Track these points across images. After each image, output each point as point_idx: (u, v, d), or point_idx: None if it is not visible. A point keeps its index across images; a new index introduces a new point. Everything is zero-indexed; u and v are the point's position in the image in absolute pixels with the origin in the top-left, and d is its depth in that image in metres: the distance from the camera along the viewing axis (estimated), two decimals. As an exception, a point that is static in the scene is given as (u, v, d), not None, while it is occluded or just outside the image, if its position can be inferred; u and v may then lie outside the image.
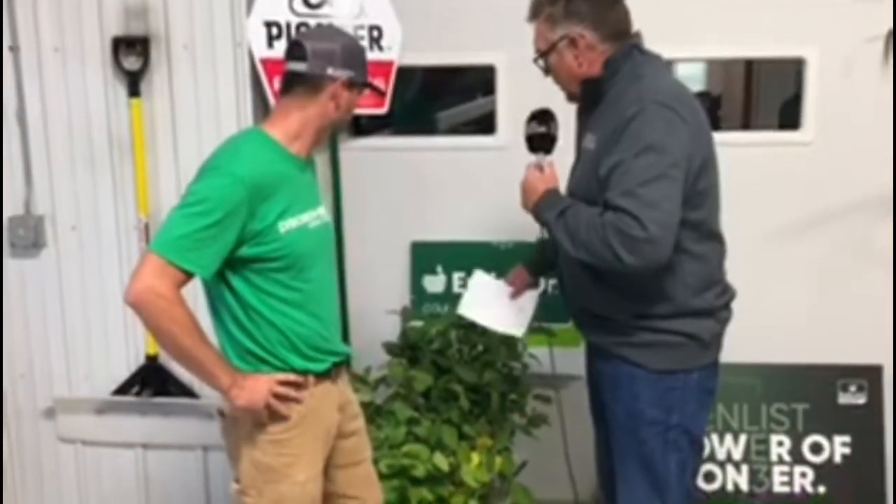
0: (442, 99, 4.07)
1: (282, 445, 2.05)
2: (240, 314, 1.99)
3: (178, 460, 3.18)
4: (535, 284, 2.57)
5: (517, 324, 2.53)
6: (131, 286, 1.87)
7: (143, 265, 1.88)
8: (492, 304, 2.54)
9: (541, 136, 2.23)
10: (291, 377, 2.03)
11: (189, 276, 1.89)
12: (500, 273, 3.16)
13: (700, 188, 2.08)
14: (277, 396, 2.01)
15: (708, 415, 2.31)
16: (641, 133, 1.97)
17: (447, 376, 2.85)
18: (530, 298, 2.56)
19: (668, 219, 1.96)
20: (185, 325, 1.87)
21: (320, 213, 2.10)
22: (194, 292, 2.01)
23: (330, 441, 2.17)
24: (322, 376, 2.11)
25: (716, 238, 2.20)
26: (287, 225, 1.97)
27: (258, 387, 1.99)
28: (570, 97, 2.24)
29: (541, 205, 2.17)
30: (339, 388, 2.19)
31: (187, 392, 3.09)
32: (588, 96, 2.16)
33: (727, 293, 2.27)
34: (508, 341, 2.96)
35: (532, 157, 2.26)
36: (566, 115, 2.34)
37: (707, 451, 3.17)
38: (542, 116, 2.25)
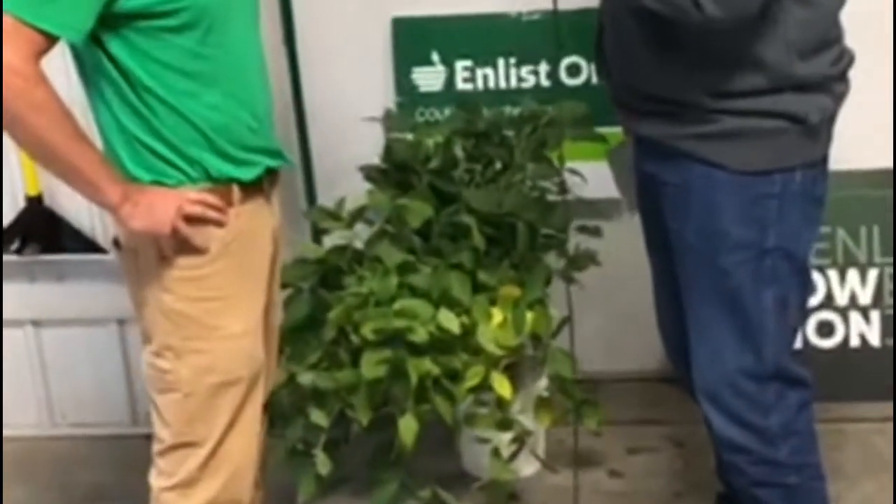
0: None
1: (201, 285, 2.07)
2: (131, 97, 1.98)
3: (84, 340, 3.26)
4: None
5: None
6: None
7: None
8: None
9: None
10: (209, 197, 2.04)
11: (51, 40, 1.85)
12: (521, 60, 3.21)
13: None
14: (189, 219, 2.01)
15: (816, 233, 2.31)
16: None
17: (453, 206, 2.87)
18: None
19: None
20: (51, 112, 1.85)
21: None
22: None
23: (265, 279, 2.20)
24: (252, 187, 2.11)
25: None
26: None
27: (161, 204, 2.00)
28: None
29: None
30: (272, 207, 2.20)
31: (90, 245, 3.09)
32: None
33: (844, 58, 2.23)
34: (536, 152, 2.97)
35: None
36: None
37: (821, 294, 3.22)
38: None
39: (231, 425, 2.15)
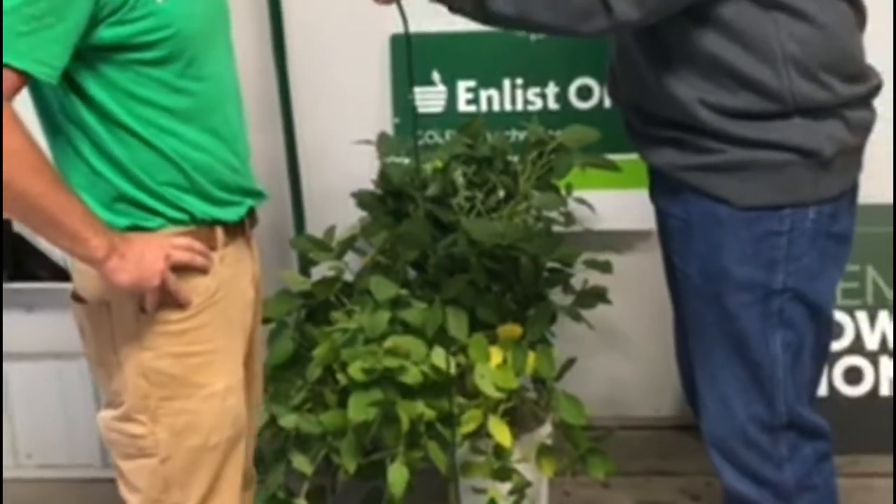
0: None
1: (186, 340, 2.04)
2: (104, 139, 1.94)
3: (53, 375, 3.24)
4: None
5: None
6: None
7: None
8: None
9: None
10: (195, 242, 2.02)
11: (22, 79, 1.79)
12: (528, 82, 3.23)
13: None
14: (174, 267, 1.98)
15: (838, 273, 2.31)
16: None
17: (451, 236, 2.88)
18: None
19: None
20: (28, 157, 1.79)
21: None
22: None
23: (248, 329, 2.19)
24: (234, 229, 2.12)
25: None
26: None
27: (150, 254, 1.95)
28: None
29: None
30: (251, 250, 2.22)
31: (60, 273, 3.06)
32: None
33: (866, 80, 2.22)
34: (542, 180, 2.97)
35: None
36: None
37: (850, 338, 3.22)
38: None
39: (211, 490, 2.11)
